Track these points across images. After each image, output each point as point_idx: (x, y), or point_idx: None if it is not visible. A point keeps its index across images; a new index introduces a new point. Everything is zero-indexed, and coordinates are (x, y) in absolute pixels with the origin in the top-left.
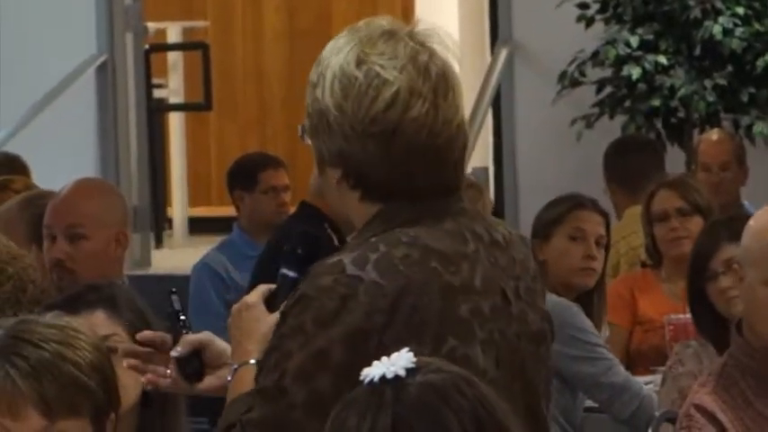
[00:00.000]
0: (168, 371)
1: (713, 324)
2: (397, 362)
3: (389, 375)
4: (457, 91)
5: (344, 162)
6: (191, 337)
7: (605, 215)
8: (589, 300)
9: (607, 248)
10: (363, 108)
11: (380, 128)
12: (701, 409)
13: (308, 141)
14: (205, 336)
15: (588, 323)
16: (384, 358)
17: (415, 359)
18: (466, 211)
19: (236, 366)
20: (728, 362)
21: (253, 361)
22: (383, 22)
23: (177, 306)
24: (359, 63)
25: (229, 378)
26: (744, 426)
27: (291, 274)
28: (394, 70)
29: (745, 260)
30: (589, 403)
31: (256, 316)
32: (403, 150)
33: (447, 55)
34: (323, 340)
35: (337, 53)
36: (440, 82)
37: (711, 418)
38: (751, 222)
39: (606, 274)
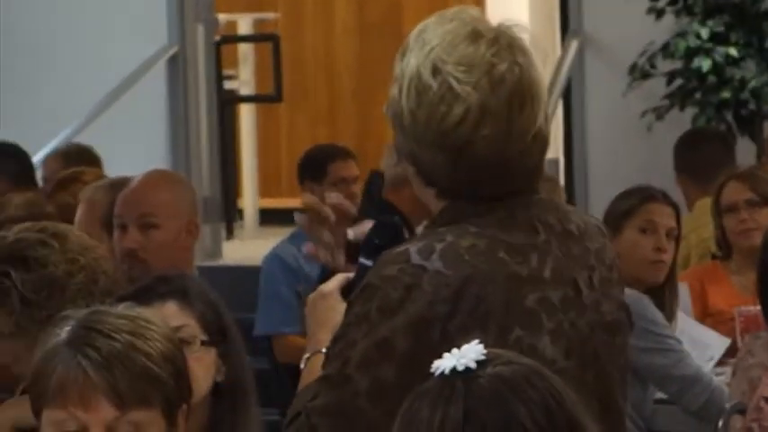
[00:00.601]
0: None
1: None
2: (468, 354)
3: (460, 368)
4: (536, 101)
5: (415, 162)
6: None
7: (676, 207)
8: (661, 292)
9: (678, 241)
10: (435, 120)
11: (450, 142)
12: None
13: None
14: None
15: (659, 315)
16: (455, 350)
17: (485, 351)
18: (540, 202)
19: (308, 355)
20: None
21: (324, 350)
22: (472, 15)
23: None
24: (435, 71)
25: (302, 366)
26: None
27: (369, 263)
28: (468, 85)
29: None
30: (659, 395)
31: (331, 305)
32: (471, 164)
33: (529, 60)
34: (386, 329)
35: (420, 48)
36: (515, 95)
37: None
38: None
39: (677, 265)
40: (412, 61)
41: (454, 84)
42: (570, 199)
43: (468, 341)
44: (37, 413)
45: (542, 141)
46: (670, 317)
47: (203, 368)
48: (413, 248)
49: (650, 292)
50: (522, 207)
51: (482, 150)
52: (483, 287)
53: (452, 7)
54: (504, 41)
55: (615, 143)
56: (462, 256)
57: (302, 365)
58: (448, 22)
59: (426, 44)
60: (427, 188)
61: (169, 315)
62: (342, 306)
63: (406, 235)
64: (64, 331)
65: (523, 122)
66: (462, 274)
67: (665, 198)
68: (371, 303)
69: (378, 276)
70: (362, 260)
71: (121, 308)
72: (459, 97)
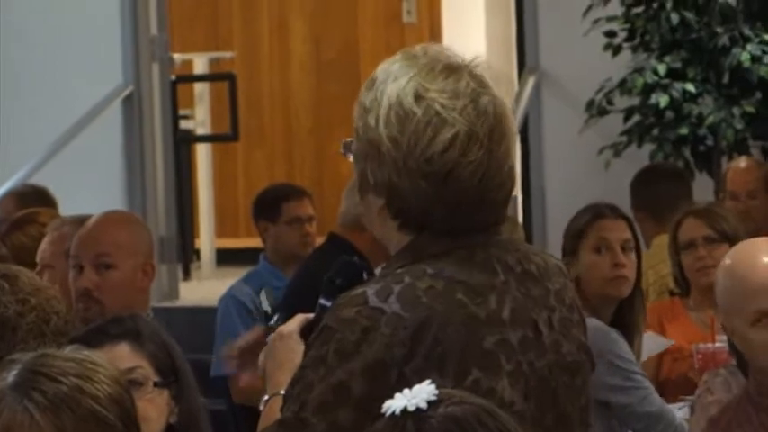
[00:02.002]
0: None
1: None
2: (419, 394)
3: (411, 408)
4: (510, 136)
5: (389, 192)
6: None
7: (628, 219)
8: (630, 306)
9: (638, 250)
10: (420, 147)
11: (435, 168)
12: None
13: (350, 158)
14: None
15: (626, 348)
16: (406, 390)
17: (437, 391)
18: (499, 243)
19: (266, 397)
20: (743, 398)
21: (283, 392)
22: (442, 52)
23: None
24: (418, 98)
25: (261, 408)
26: None
27: (329, 303)
28: (454, 111)
29: (726, 300)
30: None
31: (291, 346)
32: (454, 192)
33: (504, 96)
34: (343, 373)
35: (394, 80)
36: (496, 127)
37: None
38: (726, 259)
39: (642, 275)
40: (389, 89)
41: (440, 109)
42: (528, 236)
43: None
44: None
45: (513, 177)
46: (641, 328)
47: (156, 409)
48: (370, 291)
49: (619, 309)
50: (482, 247)
51: (466, 177)
52: (441, 329)
53: (409, 46)
54: (478, 76)
55: (573, 180)
56: (420, 298)
57: (261, 407)
58: (421, 57)
59: (403, 75)
60: (392, 221)
61: (121, 356)
62: (301, 347)
63: (365, 277)
64: (11, 375)
65: (501, 155)
66: (420, 316)
67: (614, 212)
68: (329, 346)
69: (335, 319)
70: (323, 301)
71: (69, 350)
72: (447, 122)
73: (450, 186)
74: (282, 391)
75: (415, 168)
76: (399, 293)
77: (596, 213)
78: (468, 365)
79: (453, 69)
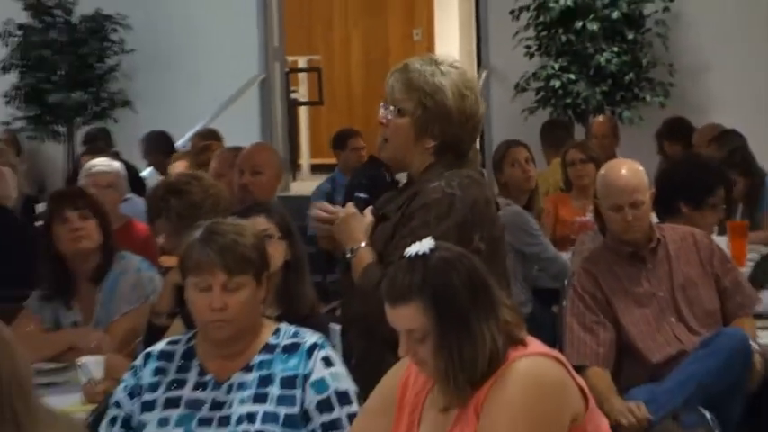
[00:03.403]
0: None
1: (603, 225)
2: (425, 244)
3: (420, 252)
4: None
5: (448, 136)
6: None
7: (526, 146)
8: (533, 196)
9: (534, 161)
10: (473, 114)
11: (474, 123)
12: (585, 269)
13: (392, 117)
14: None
15: (533, 222)
16: (417, 242)
17: (434, 243)
18: (472, 161)
19: (353, 248)
20: (605, 245)
21: (363, 244)
22: (444, 58)
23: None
24: (466, 86)
25: (348, 255)
26: (609, 282)
27: (361, 195)
28: (476, 89)
29: (600, 193)
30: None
31: (359, 218)
32: (473, 135)
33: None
34: (443, 228)
35: (440, 74)
36: (480, 97)
37: (588, 272)
38: (601, 171)
39: (539, 191)
40: (445, 81)
41: (475, 94)
42: (482, 161)
43: (476, 233)
44: (184, 278)
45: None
46: (539, 207)
47: (278, 252)
48: (443, 183)
49: (529, 199)
50: (472, 161)
51: (478, 126)
52: (476, 204)
53: (417, 54)
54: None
55: (507, 128)
56: (468, 187)
57: (348, 255)
58: (445, 62)
59: (443, 75)
60: (429, 151)
61: (260, 223)
62: (363, 218)
63: (388, 177)
64: (198, 233)
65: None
66: (470, 196)
67: (519, 143)
68: (430, 215)
69: (430, 199)
70: (357, 194)
71: (230, 219)
72: (479, 100)
73: (473, 133)
74: (363, 244)
75: (466, 122)
76: (458, 184)
77: (509, 144)
78: (486, 223)
79: (458, 68)
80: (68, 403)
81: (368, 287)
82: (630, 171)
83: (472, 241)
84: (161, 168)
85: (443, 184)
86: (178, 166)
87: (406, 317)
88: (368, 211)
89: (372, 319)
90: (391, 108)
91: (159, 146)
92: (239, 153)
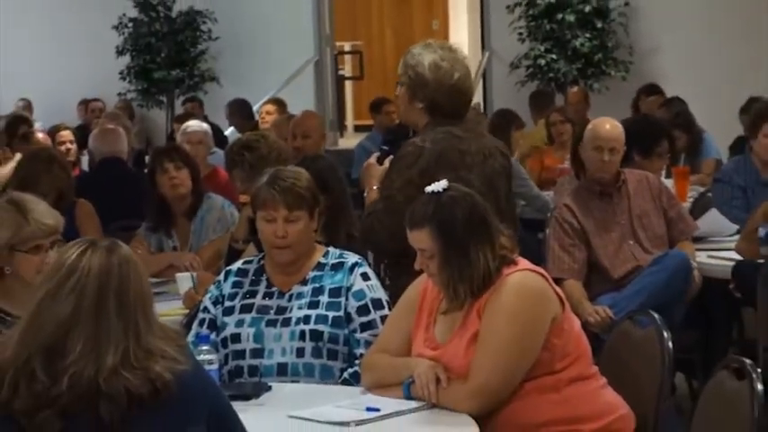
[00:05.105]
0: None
1: (582, 166)
2: (440, 185)
3: (436, 190)
4: (471, 76)
5: (429, 99)
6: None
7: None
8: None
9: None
10: (445, 81)
11: (448, 88)
12: (565, 204)
13: (398, 89)
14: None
15: (523, 170)
16: (434, 183)
17: (447, 184)
18: (466, 121)
19: (367, 190)
20: (580, 185)
21: (375, 187)
22: (438, 43)
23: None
24: (442, 59)
25: (365, 195)
26: (583, 214)
27: (385, 147)
28: (458, 63)
29: (586, 138)
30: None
31: (375, 167)
32: (455, 97)
33: (471, 61)
34: (410, 173)
35: (426, 53)
36: (468, 72)
37: (567, 206)
38: (589, 125)
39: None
40: (425, 58)
41: (451, 66)
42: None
43: (441, 177)
44: (254, 212)
45: (472, 92)
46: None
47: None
48: (418, 139)
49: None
50: (461, 122)
51: (461, 91)
52: (445, 153)
53: (440, 38)
54: (457, 50)
55: (505, 97)
56: (438, 141)
57: (364, 195)
58: (433, 45)
59: (427, 52)
60: (423, 112)
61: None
62: (379, 166)
63: (411, 134)
64: (264, 177)
65: (470, 83)
66: (437, 148)
67: (511, 114)
68: (401, 163)
69: (405, 151)
70: (383, 147)
71: (289, 167)
72: (455, 72)
73: (453, 96)
74: (375, 186)
75: (444, 89)
76: (431, 139)
77: (504, 113)
78: (459, 168)
79: (452, 49)
80: (169, 308)
81: (371, 220)
82: (612, 125)
83: None
84: (240, 128)
85: (418, 140)
86: (270, 109)
87: (419, 239)
88: (387, 160)
89: (377, 239)
90: (398, 82)
91: (239, 111)
92: (291, 120)
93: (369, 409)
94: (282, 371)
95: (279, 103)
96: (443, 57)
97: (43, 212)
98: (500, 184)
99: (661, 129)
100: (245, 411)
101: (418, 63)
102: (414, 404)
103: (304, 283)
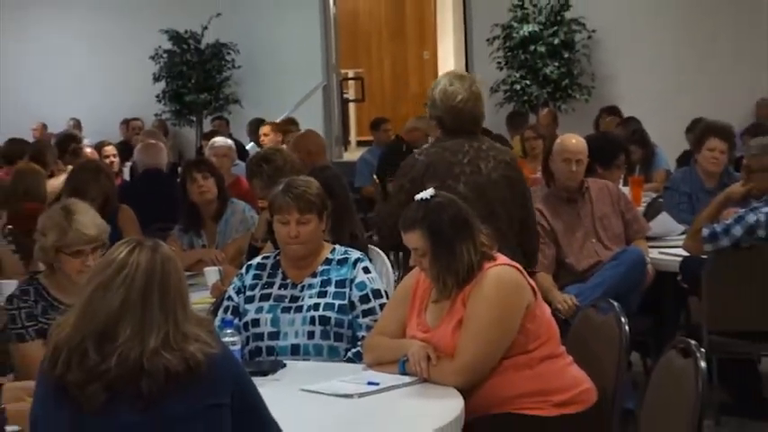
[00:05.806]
0: None
1: (551, 176)
2: (427, 192)
3: (424, 197)
4: (480, 100)
5: (436, 117)
6: None
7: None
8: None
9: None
10: (449, 102)
11: (448, 108)
12: (537, 208)
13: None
14: None
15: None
16: (423, 192)
17: (434, 191)
18: (474, 138)
19: None
20: (550, 192)
21: None
22: (456, 73)
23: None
24: (450, 84)
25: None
26: (553, 216)
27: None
28: (463, 89)
29: (555, 151)
30: None
31: None
32: (456, 116)
33: (479, 86)
34: (401, 182)
35: (442, 80)
36: (473, 95)
37: (539, 210)
38: (558, 139)
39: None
40: (440, 85)
41: (455, 92)
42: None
43: (429, 186)
44: (271, 216)
45: (481, 113)
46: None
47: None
48: (417, 152)
49: None
50: (467, 138)
51: (453, 112)
52: (436, 163)
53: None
54: (469, 79)
55: (486, 117)
56: (430, 155)
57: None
58: (449, 75)
59: (446, 82)
60: (437, 128)
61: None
62: None
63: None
64: (280, 186)
65: (475, 105)
66: (427, 160)
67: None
68: (400, 171)
69: (404, 162)
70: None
71: (300, 177)
72: (457, 96)
73: (453, 115)
74: None
75: (447, 109)
76: (426, 152)
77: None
78: (446, 178)
79: (462, 78)
80: (198, 298)
81: (377, 219)
82: (578, 140)
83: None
84: (259, 143)
85: (417, 152)
86: (266, 131)
87: (412, 239)
88: None
89: (381, 234)
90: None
91: (258, 129)
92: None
93: (369, 383)
94: (295, 351)
95: (291, 123)
96: (452, 82)
97: (86, 223)
98: (495, 192)
99: (619, 144)
100: (264, 386)
101: (434, 88)
102: (408, 379)
103: (314, 275)
